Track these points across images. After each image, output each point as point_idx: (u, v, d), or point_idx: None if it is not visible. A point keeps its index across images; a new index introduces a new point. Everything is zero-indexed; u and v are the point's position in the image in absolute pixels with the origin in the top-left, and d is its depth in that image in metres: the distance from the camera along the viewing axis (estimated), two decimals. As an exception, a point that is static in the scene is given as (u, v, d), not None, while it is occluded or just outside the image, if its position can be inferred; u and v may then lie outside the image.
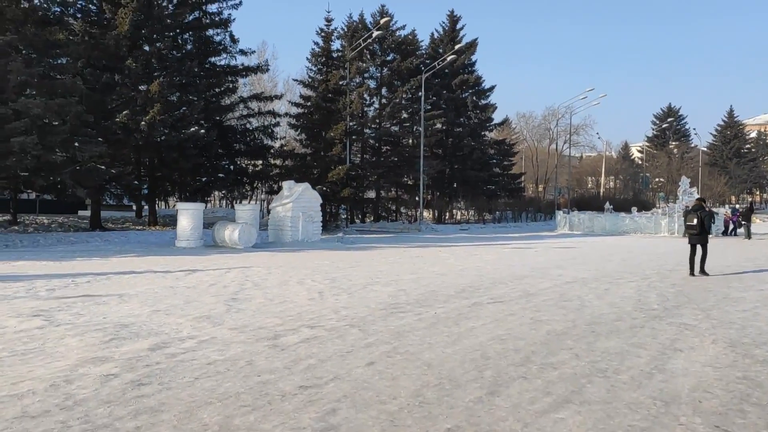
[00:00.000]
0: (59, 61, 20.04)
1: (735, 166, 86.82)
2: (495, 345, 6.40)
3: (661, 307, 9.02)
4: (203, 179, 28.02)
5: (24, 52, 18.92)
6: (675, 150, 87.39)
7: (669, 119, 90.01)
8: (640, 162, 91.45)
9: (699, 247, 13.31)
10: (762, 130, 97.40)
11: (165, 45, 25.85)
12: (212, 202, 56.09)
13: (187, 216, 19.44)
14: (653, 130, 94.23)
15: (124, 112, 23.96)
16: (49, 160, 18.40)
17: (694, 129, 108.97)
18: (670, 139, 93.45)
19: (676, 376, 5.42)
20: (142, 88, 25.89)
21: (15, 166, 17.69)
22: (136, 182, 26.14)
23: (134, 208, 35.39)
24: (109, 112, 24.76)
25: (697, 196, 32.82)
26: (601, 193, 73.87)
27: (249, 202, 43.99)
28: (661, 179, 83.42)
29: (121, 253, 17.24)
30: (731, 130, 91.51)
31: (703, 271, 13.20)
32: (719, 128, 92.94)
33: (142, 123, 24.01)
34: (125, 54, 25.09)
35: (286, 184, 22.95)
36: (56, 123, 19.59)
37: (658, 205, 77.69)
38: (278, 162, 33.19)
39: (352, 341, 6.45)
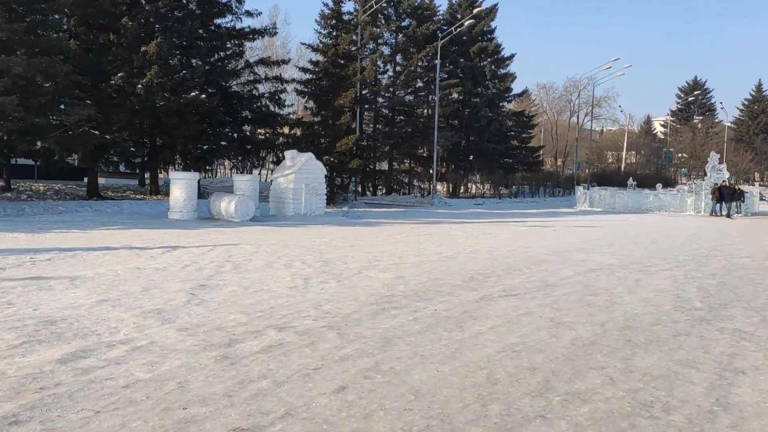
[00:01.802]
0: (49, 18, 18.65)
1: (762, 142, 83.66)
2: (505, 360, 5.03)
3: (705, 305, 7.59)
4: (205, 147, 26.67)
5: (6, 4, 17.50)
6: (699, 125, 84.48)
7: (695, 92, 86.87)
8: (662, 137, 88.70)
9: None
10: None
11: (164, 3, 24.32)
12: (221, 171, 54.97)
13: (181, 186, 18.17)
14: (677, 103, 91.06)
15: (120, 74, 22.61)
16: (33, 123, 17.17)
17: (721, 103, 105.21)
18: (695, 113, 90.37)
19: (748, 416, 4.03)
20: (143, 49, 24.49)
21: (-7, 128, 16.55)
22: (132, 149, 24.89)
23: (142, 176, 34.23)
24: (104, 74, 23.43)
25: (726, 173, 31.10)
26: (622, 169, 71.71)
27: (259, 172, 42.82)
28: (684, 155, 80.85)
29: (106, 225, 16.06)
30: (759, 104, 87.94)
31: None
32: (746, 103, 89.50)
33: (139, 86, 22.66)
34: (122, 12, 23.63)
35: (289, 154, 21.58)
36: (44, 84, 18.28)
37: (680, 182, 75.56)
38: (285, 130, 31.73)
39: (325, 351, 5.12)
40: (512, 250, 13.07)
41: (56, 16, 19.17)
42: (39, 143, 18.50)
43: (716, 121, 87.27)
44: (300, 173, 20.84)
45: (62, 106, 18.17)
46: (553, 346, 5.50)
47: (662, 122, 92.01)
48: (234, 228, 16.55)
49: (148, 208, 21.57)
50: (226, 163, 49.84)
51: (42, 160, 22.74)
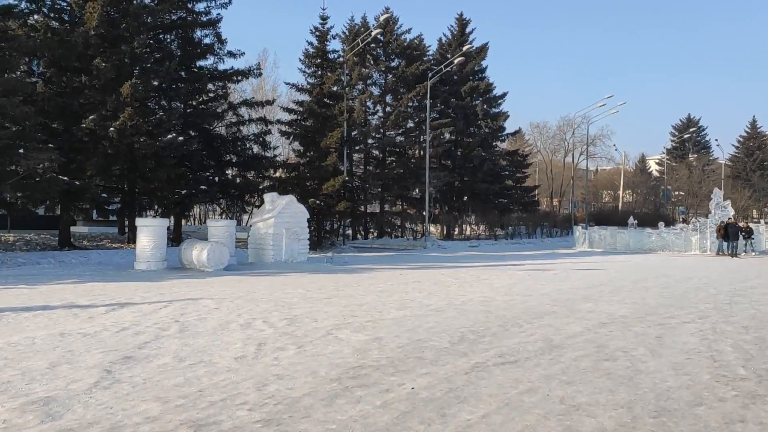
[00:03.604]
0: (7, 57, 17.47)
1: (759, 178, 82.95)
2: (503, 477, 3.54)
3: (750, 372, 6.11)
4: (183, 192, 25.31)
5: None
6: (695, 162, 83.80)
7: (690, 130, 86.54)
8: (658, 175, 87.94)
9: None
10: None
11: (140, 44, 23.27)
12: (211, 217, 53.55)
13: (147, 234, 16.72)
14: (672, 141, 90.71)
15: (91, 117, 21.38)
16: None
17: (716, 140, 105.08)
18: (690, 150, 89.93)
19: None
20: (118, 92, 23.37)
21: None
22: (104, 195, 23.49)
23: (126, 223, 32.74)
24: (76, 118, 22.22)
25: (731, 210, 29.83)
26: (620, 207, 70.62)
27: (248, 217, 41.38)
28: (681, 193, 79.93)
29: (62, 278, 14.55)
30: (754, 141, 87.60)
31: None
32: (741, 139, 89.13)
33: (111, 129, 21.42)
34: (96, 54, 22.56)
35: (268, 197, 20.22)
36: (5, 127, 16.99)
37: (679, 220, 74.37)
38: (272, 173, 30.46)
39: (247, 468, 3.62)
40: (510, 299, 11.59)
41: (15, 55, 17.96)
42: (-5, 191, 17.16)
43: (712, 158, 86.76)
44: (280, 217, 19.44)
45: (21, 151, 16.85)
46: (569, 448, 4.01)
47: (657, 160, 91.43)
48: (203, 279, 15.04)
49: (118, 258, 20.07)
50: (215, 208, 48.53)
51: (5, 209, 21.31)
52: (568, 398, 5.12)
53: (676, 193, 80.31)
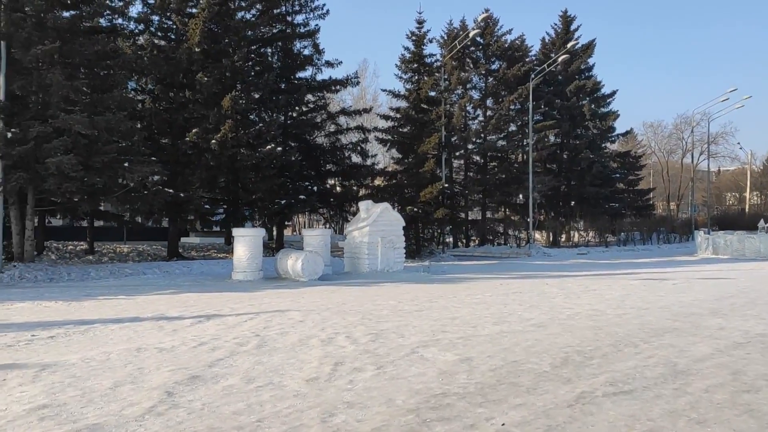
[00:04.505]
0: (113, 75, 18.27)
1: None
2: None
3: None
4: (283, 201, 25.53)
5: (70, 62, 17.16)
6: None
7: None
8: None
9: None
10: None
11: (240, 57, 23.74)
12: (312, 225, 54.44)
13: (244, 244, 16.74)
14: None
15: (194, 131, 21.98)
16: (94, 183, 16.47)
17: None
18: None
19: None
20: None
21: (54, 189, 15.92)
22: (207, 206, 24.08)
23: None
24: (180, 132, 22.97)
25: None
26: (747, 210, 64.96)
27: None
28: (816, 193, 72.53)
29: (161, 289, 14.77)
30: None
31: None
32: None
33: (213, 141, 21.91)
34: (198, 69, 23.24)
35: (363, 205, 19.81)
36: (109, 142, 17.67)
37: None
38: (369, 182, 30.22)
39: None
40: (623, 313, 10.35)
41: (122, 72, 18.72)
42: (102, 204, 17.89)
43: None
44: (375, 225, 18.96)
45: (126, 164, 17.46)
46: None
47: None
48: (296, 289, 14.77)
49: (219, 268, 20.38)
50: (321, 218, 49.21)
51: (115, 221, 22.31)
52: (699, 445, 4.10)
53: (813, 193, 72.89)
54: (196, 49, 23.05)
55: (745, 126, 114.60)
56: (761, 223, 30.76)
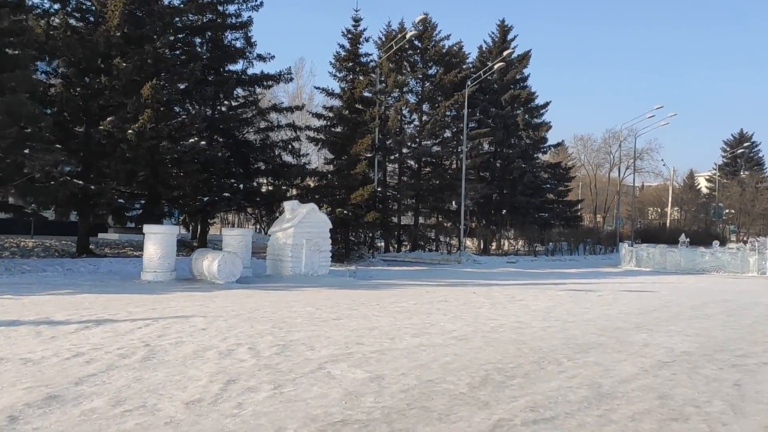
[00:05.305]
0: (18, 54, 16.69)
1: (816, 197, 78.48)
2: None
3: None
4: (206, 199, 24.27)
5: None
6: (747, 179, 79.82)
7: (743, 145, 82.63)
8: (707, 192, 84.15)
9: None
10: None
11: (163, 44, 22.41)
12: (247, 227, 52.83)
13: (156, 242, 15.56)
14: (723, 157, 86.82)
15: (109, 119, 20.52)
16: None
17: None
18: (743, 167, 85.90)
19: None
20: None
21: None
22: (121, 201, 22.57)
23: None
24: (95, 120, 21.43)
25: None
26: (668, 225, 67.51)
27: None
28: (732, 210, 76.20)
29: (57, 288, 13.46)
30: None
31: None
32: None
33: (130, 131, 20.51)
34: (118, 55, 21.76)
35: (288, 205, 18.93)
36: (13, 126, 16.13)
37: (729, 239, 70.63)
38: (299, 182, 29.24)
39: None
40: (548, 326, 9.94)
41: (28, 51, 17.14)
42: (1, 194, 16.30)
43: (766, 175, 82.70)
44: (300, 226, 18.10)
45: (26, 151, 15.96)
46: None
47: (707, 177, 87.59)
48: (210, 292, 13.76)
49: (130, 267, 19.00)
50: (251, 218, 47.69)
51: (16, 213, 20.51)
52: (627, 490, 3.54)
53: (727, 211, 76.56)
54: (116, 33, 21.59)
55: (668, 144, 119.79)
56: (682, 238, 31.65)
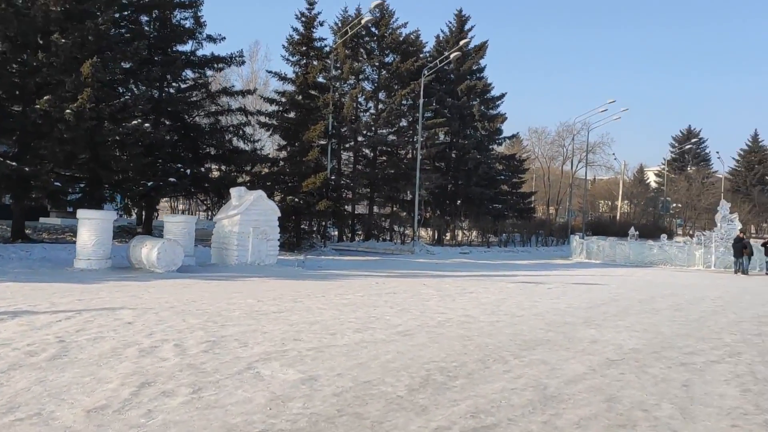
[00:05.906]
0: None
1: (759, 193, 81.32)
2: None
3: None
4: (150, 184, 23.29)
5: None
6: (694, 174, 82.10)
7: (691, 141, 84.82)
8: (656, 186, 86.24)
9: None
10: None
11: (105, 20, 21.28)
12: (199, 214, 51.55)
13: (90, 227, 14.72)
14: (672, 153, 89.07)
15: (45, 98, 19.37)
16: None
17: (717, 153, 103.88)
18: (690, 163, 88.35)
19: None
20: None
21: None
22: (58, 183, 21.43)
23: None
24: (31, 99, 20.23)
25: (738, 224, 28.00)
26: (618, 218, 68.86)
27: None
28: (679, 205, 78.30)
29: (-20, 276, 12.56)
30: (755, 155, 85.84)
31: None
32: (743, 153, 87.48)
33: (68, 111, 19.40)
34: (57, 30, 20.54)
35: (235, 191, 18.23)
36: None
37: (676, 232, 72.56)
38: (251, 168, 28.41)
39: None
40: (496, 320, 9.65)
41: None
42: None
43: (712, 171, 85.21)
44: (247, 214, 17.45)
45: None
46: None
47: (656, 171, 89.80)
48: (146, 282, 13.05)
49: (65, 254, 18.05)
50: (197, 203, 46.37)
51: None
52: None
53: (674, 205, 78.61)
54: (56, 8, 20.36)
55: (620, 139, 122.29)
56: (632, 231, 32.11)
